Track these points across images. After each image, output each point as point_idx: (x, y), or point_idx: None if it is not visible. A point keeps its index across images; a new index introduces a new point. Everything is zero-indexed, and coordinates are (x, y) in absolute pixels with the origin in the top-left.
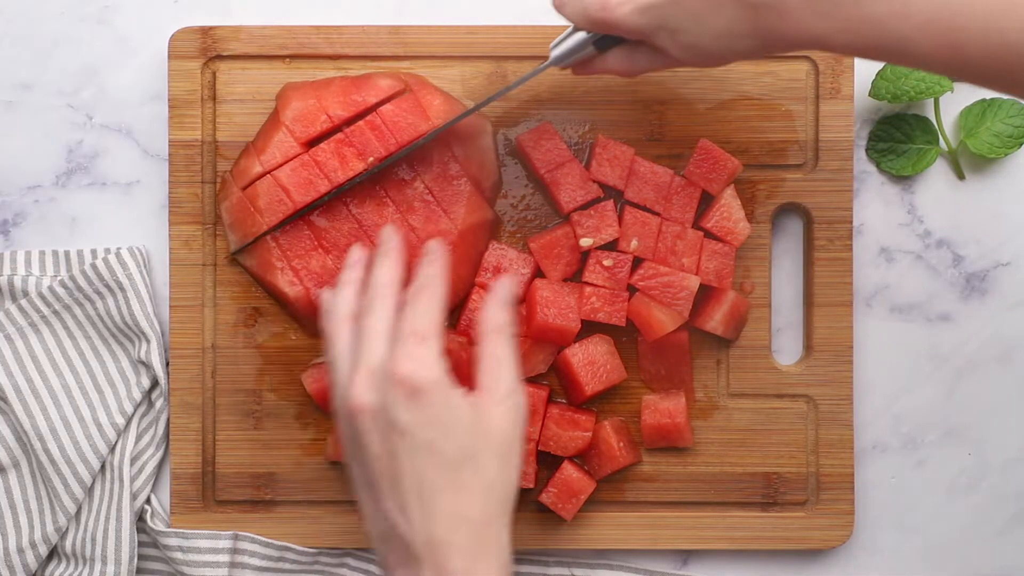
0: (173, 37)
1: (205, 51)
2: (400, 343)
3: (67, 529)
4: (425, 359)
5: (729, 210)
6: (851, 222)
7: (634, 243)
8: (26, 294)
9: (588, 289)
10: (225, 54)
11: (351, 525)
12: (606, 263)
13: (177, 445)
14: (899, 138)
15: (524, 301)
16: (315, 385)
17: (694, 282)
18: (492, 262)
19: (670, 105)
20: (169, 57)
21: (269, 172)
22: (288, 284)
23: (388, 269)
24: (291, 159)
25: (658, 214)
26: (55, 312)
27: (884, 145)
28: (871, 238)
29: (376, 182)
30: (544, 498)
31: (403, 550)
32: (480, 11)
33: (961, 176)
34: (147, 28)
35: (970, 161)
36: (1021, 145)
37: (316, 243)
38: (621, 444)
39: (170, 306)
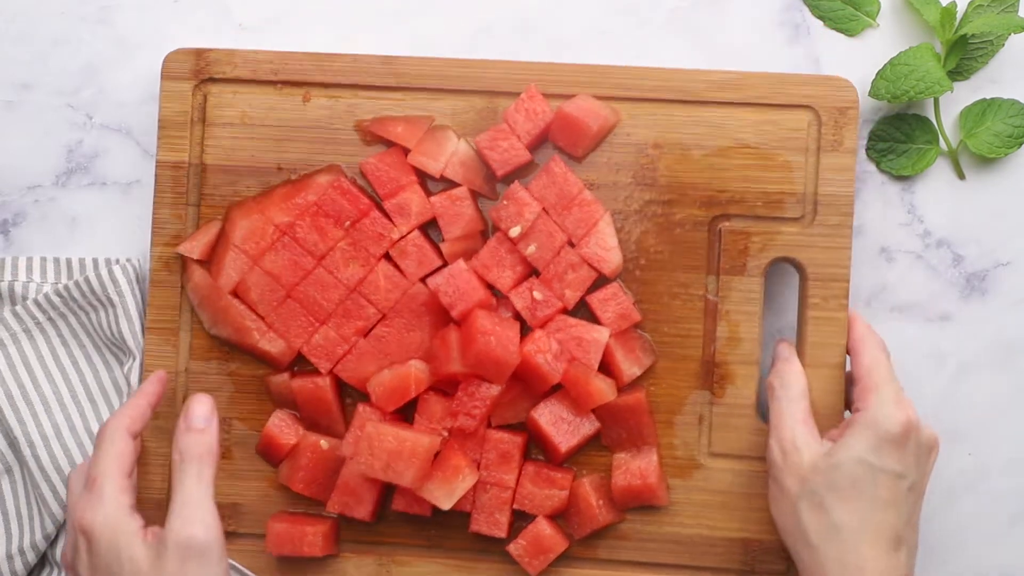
0: (167, 58)
1: (198, 73)
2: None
3: (56, 536)
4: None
5: (603, 236)
6: (848, 280)
7: (532, 248)
8: (25, 300)
9: (538, 332)
10: (217, 77)
11: (313, 564)
12: (536, 295)
13: (143, 470)
14: (899, 138)
15: (461, 331)
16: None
17: (604, 335)
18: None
19: (664, 149)
20: (162, 78)
21: (256, 263)
22: (268, 342)
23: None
24: (274, 243)
25: (548, 215)
26: (50, 319)
27: (884, 145)
28: (871, 238)
29: (356, 243)
30: (512, 549)
31: None
32: (473, 46)
33: (961, 176)
34: (147, 28)
35: (970, 161)
36: (1021, 145)
37: (312, 319)
38: (601, 503)
39: (146, 328)
